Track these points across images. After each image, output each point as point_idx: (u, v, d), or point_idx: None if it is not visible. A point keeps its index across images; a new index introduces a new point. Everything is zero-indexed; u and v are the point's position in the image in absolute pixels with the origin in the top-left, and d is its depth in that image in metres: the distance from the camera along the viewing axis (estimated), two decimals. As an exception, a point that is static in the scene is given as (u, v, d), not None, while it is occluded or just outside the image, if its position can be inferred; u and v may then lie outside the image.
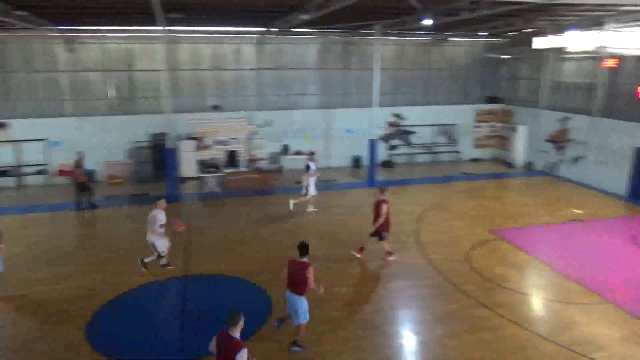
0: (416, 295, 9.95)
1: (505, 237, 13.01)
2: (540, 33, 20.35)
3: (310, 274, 7.59)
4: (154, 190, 17.79)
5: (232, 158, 19.07)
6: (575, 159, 19.25)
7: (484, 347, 8.04)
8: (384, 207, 11.00)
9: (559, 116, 20.05)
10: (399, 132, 22.62)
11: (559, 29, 19.36)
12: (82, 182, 15.34)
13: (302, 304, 7.75)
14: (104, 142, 18.75)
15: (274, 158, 20.92)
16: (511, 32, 21.74)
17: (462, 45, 23.27)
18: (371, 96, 18.80)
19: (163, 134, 18.26)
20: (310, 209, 15.38)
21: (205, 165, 18.71)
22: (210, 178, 18.08)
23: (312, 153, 15.53)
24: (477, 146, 23.93)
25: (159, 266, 10.85)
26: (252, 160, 19.18)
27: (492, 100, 23.92)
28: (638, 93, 16.20)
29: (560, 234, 13.51)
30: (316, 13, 13.59)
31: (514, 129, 22.28)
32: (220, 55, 20.21)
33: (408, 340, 8.43)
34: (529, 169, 21.62)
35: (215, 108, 20.15)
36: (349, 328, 8.63)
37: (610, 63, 17.52)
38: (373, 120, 18.66)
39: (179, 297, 9.80)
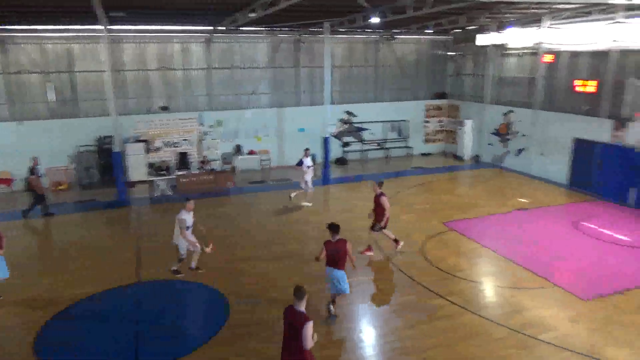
0: (374, 288, 10.07)
1: (456, 228, 13.39)
2: (483, 30, 21.09)
3: (350, 247, 8.54)
4: (101, 195, 17.13)
5: (183, 160, 18.62)
6: (519, 151, 20.12)
7: (440, 335, 8.24)
8: (386, 200, 11.25)
9: (503, 110, 20.88)
10: (352, 129, 22.86)
11: (500, 26, 20.13)
12: (38, 189, 14.53)
13: (344, 276, 8.54)
14: (46, 147, 17.81)
15: (227, 158, 20.61)
16: (456, 29, 22.41)
17: (410, 43, 23.76)
18: (323, 94, 18.89)
19: (109, 137, 17.61)
20: (304, 202, 15.72)
21: (155, 168, 18.18)
22: (161, 181, 17.58)
23: (307, 149, 15.96)
24: (427, 141, 24.53)
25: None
26: (204, 162, 18.81)
27: (440, 95, 24.60)
28: (574, 86, 17.07)
29: (508, 222, 14.05)
30: (264, 12, 13.47)
31: (461, 123, 22.99)
32: (168, 55, 19.67)
33: (367, 333, 8.51)
34: (476, 161, 22.38)
35: (164, 109, 19.61)
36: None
37: (548, 58, 18.39)
38: (325, 118, 18.74)
39: (132, 306, 9.46)
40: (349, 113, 22.63)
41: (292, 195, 15.76)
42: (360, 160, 22.84)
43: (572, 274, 10.77)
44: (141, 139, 18.66)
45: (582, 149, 17.07)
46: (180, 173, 17.97)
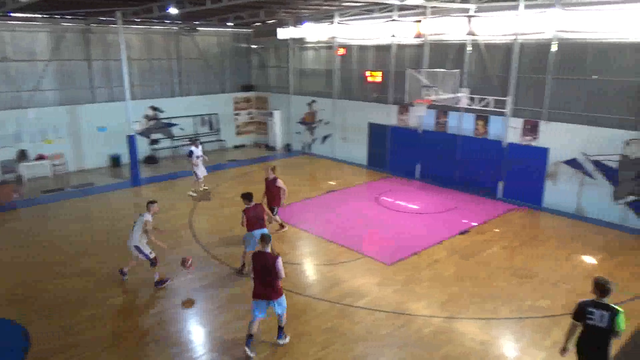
0: (198, 287, 9.77)
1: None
2: (283, 24, 21.98)
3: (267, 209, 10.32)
4: None
5: (-53, 173, 15.25)
6: (324, 137, 21.68)
7: (269, 320, 8.37)
8: (282, 182, 11.85)
9: (306, 100, 22.18)
10: (159, 125, 21.66)
11: (297, 21, 21.24)
12: None
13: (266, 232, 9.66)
14: None
15: (8, 166, 17.55)
16: (257, 22, 22.89)
17: (212, 35, 23.44)
18: (122, 89, 17.43)
19: None
20: (202, 187, 16.24)
21: None
22: None
23: (196, 139, 16.94)
24: (239, 133, 24.69)
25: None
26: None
27: (247, 88, 24.94)
28: (365, 77, 19.04)
29: (321, 204, 15.06)
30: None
31: (270, 114, 23.71)
32: None
33: (195, 333, 8.23)
34: (288, 150, 23.40)
35: None
36: (131, 339, 7.94)
37: (341, 52, 20.12)
38: (128, 114, 17.33)
39: None
40: (154, 108, 21.38)
41: (191, 192, 16.06)
42: (172, 157, 21.84)
43: (377, 244, 12.10)
44: None
45: (376, 133, 19.21)
46: (-56, 189, 14.68)
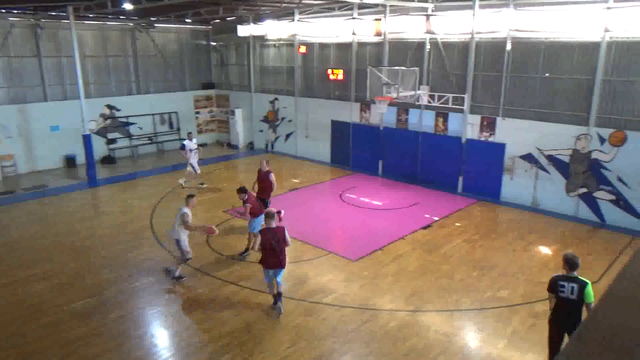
0: (161, 289, 9.56)
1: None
2: (243, 21, 21.73)
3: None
4: None
5: None
6: (287, 135, 21.61)
7: (235, 320, 8.33)
8: (273, 176, 12.03)
9: (269, 98, 22.04)
10: (116, 124, 21.01)
11: (257, 18, 21.05)
12: None
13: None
14: None
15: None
16: (216, 19, 22.54)
17: (170, 32, 22.92)
18: (75, 87, 16.79)
19: None
20: (182, 181, 16.22)
21: None
22: None
23: (189, 132, 17.24)
24: (200, 132, 24.27)
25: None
26: None
27: (207, 86, 24.54)
28: (328, 75, 19.08)
29: (285, 202, 14.95)
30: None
31: (232, 113, 23.42)
32: None
33: (159, 336, 8.06)
34: (251, 148, 23.19)
35: None
36: (95, 343, 7.69)
37: (302, 49, 20.08)
38: (83, 113, 16.70)
39: None
40: (110, 107, 20.72)
41: (182, 181, 16.12)
42: (130, 157, 21.24)
43: (342, 240, 12.20)
44: None
45: (339, 130, 19.31)
46: None
